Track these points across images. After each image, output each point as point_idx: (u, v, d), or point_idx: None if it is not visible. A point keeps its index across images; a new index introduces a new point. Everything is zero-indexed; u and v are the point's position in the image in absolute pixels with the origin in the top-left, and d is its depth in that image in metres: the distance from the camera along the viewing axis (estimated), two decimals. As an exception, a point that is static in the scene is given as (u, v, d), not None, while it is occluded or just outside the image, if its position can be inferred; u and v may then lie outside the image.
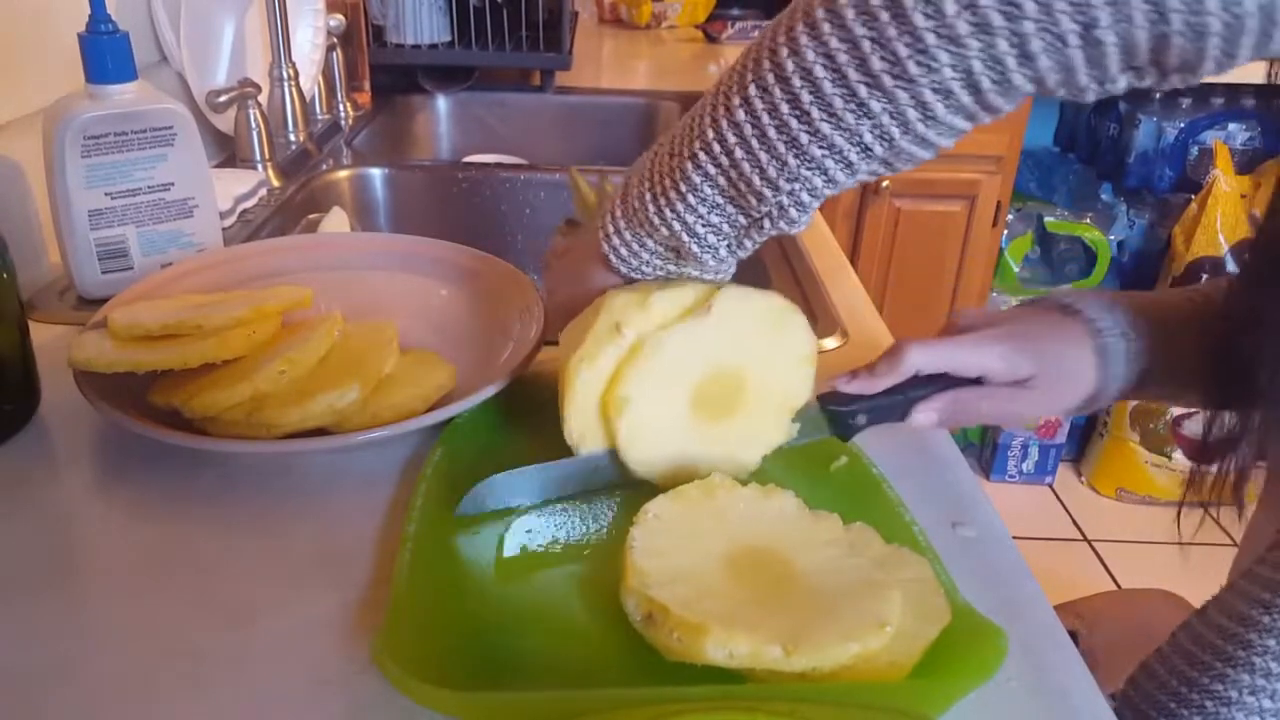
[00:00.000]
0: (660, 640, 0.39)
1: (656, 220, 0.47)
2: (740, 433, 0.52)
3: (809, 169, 0.42)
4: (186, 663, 0.41)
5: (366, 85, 1.31)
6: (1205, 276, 1.89)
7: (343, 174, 1.09)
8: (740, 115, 0.43)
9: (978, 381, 0.53)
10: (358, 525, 0.49)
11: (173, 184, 0.71)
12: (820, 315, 0.75)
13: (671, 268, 0.50)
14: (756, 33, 2.12)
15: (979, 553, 0.50)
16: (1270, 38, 0.34)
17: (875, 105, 0.40)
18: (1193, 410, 1.97)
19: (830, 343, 0.71)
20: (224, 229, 0.80)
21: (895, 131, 0.40)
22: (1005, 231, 2.00)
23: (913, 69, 0.38)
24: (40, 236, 0.75)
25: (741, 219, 0.46)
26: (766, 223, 0.45)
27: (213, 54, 1.02)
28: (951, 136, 0.42)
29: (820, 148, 0.41)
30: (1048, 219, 2.05)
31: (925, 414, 0.53)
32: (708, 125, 0.44)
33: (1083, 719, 0.41)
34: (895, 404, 0.53)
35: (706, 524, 0.45)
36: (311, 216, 0.92)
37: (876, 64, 0.38)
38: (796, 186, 0.43)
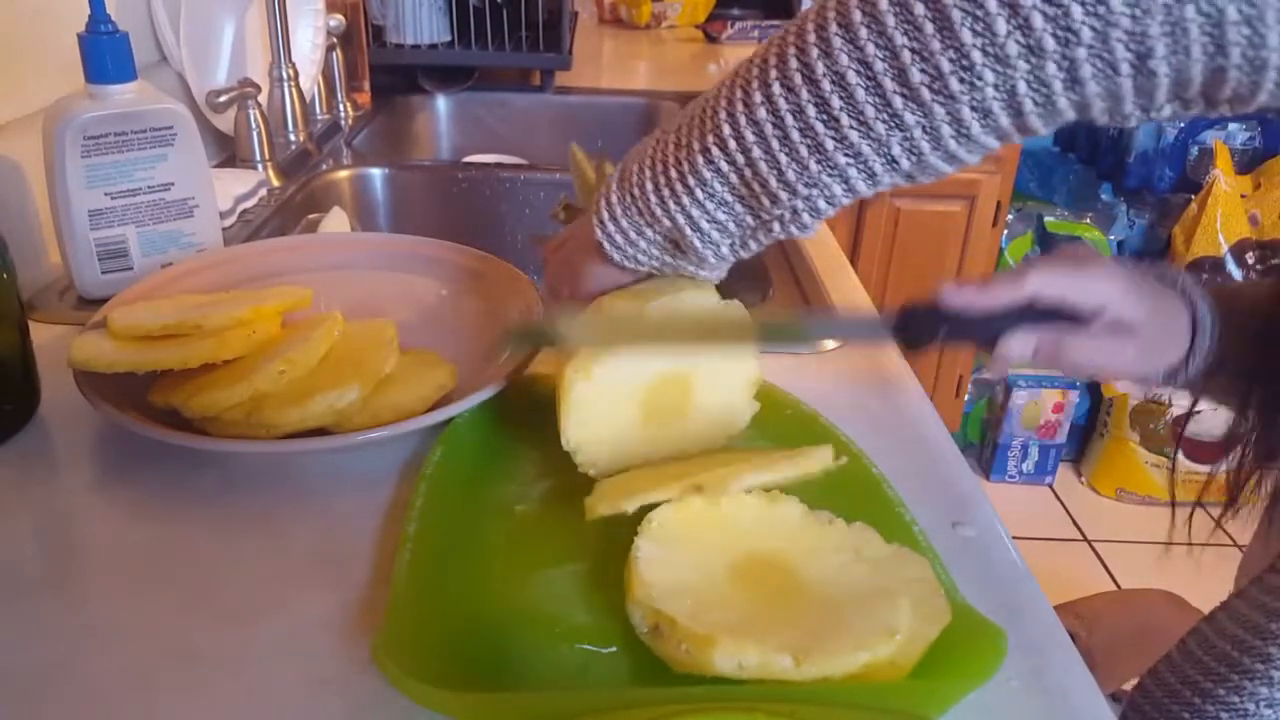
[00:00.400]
0: (668, 652, 0.39)
1: (659, 211, 0.46)
2: (696, 422, 0.52)
3: (830, 175, 0.41)
4: (186, 663, 0.41)
5: (366, 85, 1.31)
6: (1205, 276, 1.89)
7: (343, 174, 1.09)
8: (762, 114, 0.41)
9: (1077, 322, 0.50)
10: (358, 525, 0.49)
11: (173, 184, 0.71)
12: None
13: (668, 259, 0.49)
14: (756, 33, 2.13)
15: (979, 553, 0.50)
16: None
17: (909, 118, 0.38)
18: (1194, 410, 1.97)
19: (830, 343, 0.71)
20: (224, 229, 0.80)
21: (926, 146, 0.39)
22: (1005, 231, 2.00)
23: (954, 85, 0.36)
24: (40, 236, 0.75)
25: (750, 220, 0.45)
26: (776, 226, 0.44)
27: (213, 54, 1.02)
28: (980, 154, 0.40)
29: (846, 155, 0.40)
30: (1048, 219, 2.05)
31: (1021, 344, 0.49)
32: (724, 120, 0.42)
33: (1083, 719, 0.41)
34: (982, 328, 0.49)
35: (711, 533, 0.45)
36: (311, 216, 0.92)
37: (916, 76, 0.37)
38: (815, 193, 0.41)
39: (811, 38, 0.39)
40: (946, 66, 0.36)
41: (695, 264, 0.49)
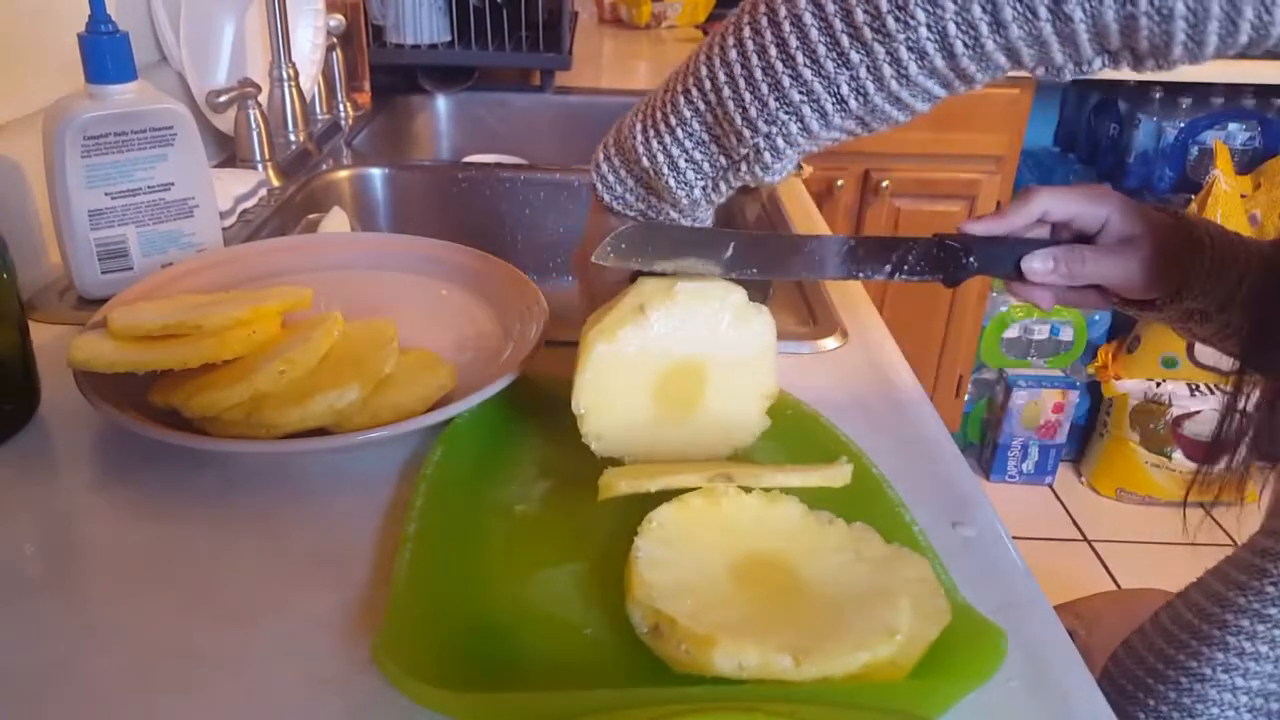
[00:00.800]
0: (668, 652, 0.39)
1: (642, 149, 0.49)
2: (705, 425, 0.52)
3: (787, 113, 0.44)
4: (186, 663, 0.41)
5: (366, 85, 1.31)
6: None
7: (343, 174, 1.09)
8: (732, 55, 0.44)
9: (1088, 241, 0.56)
10: (358, 525, 0.49)
11: (173, 184, 0.71)
12: (820, 315, 0.75)
13: (642, 207, 0.52)
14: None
15: (979, 553, 0.50)
16: (1237, 27, 0.35)
17: (854, 56, 0.41)
18: (1193, 410, 1.97)
19: (830, 343, 0.71)
20: (224, 229, 0.80)
21: (870, 86, 0.42)
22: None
23: (891, 24, 0.39)
24: (40, 236, 0.75)
25: (722, 159, 0.47)
26: (744, 165, 0.47)
27: (213, 54, 1.02)
28: (926, 100, 0.43)
29: (799, 92, 0.43)
30: (1048, 219, 2.05)
31: (1042, 260, 0.55)
32: (702, 62, 0.46)
33: (1082, 719, 0.41)
34: (1007, 254, 0.54)
35: (711, 533, 0.45)
36: (311, 216, 0.92)
37: (859, 16, 0.40)
38: (773, 130, 0.44)
39: None
40: (884, 5, 0.39)
41: (670, 205, 0.51)
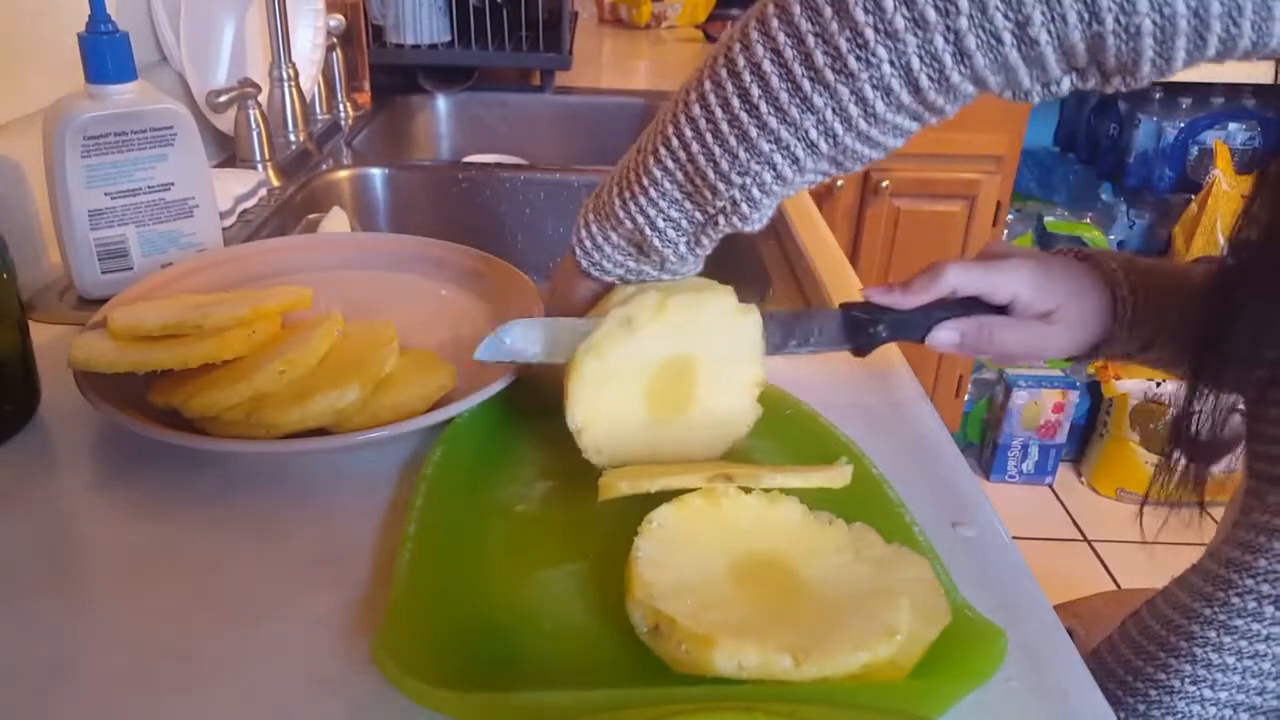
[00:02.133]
0: (668, 652, 0.39)
1: (621, 214, 0.49)
2: (700, 422, 0.52)
3: (758, 163, 0.43)
4: (186, 662, 0.41)
5: (366, 85, 1.31)
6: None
7: (343, 174, 1.09)
8: (696, 110, 0.44)
9: (1002, 311, 0.55)
10: (358, 525, 0.49)
11: (173, 184, 0.71)
12: (820, 315, 0.75)
13: (631, 264, 0.51)
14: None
15: (979, 553, 0.50)
16: (1205, 41, 0.34)
17: (818, 100, 0.40)
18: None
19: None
20: (224, 229, 0.80)
21: (839, 128, 0.41)
22: (1005, 231, 2.00)
23: (853, 64, 0.39)
24: (40, 236, 0.75)
25: (699, 214, 0.47)
26: (721, 219, 0.46)
27: (213, 54, 1.02)
28: (898, 136, 0.42)
29: (768, 142, 0.42)
30: (1048, 219, 2.05)
31: (947, 333, 0.55)
32: (669, 122, 0.46)
33: (1082, 719, 0.41)
34: (917, 322, 0.54)
35: (711, 533, 0.45)
36: (311, 216, 0.92)
37: (819, 59, 0.39)
38: (747, 181, 0.44)
39: (735, 37, 0.43)
40: (844, 46, 0.39)
41: (658, 265, 0.51)
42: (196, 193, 0.72)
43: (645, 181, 0.47)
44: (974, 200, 1.84)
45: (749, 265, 0.85)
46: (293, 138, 1.08)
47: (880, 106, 0.40)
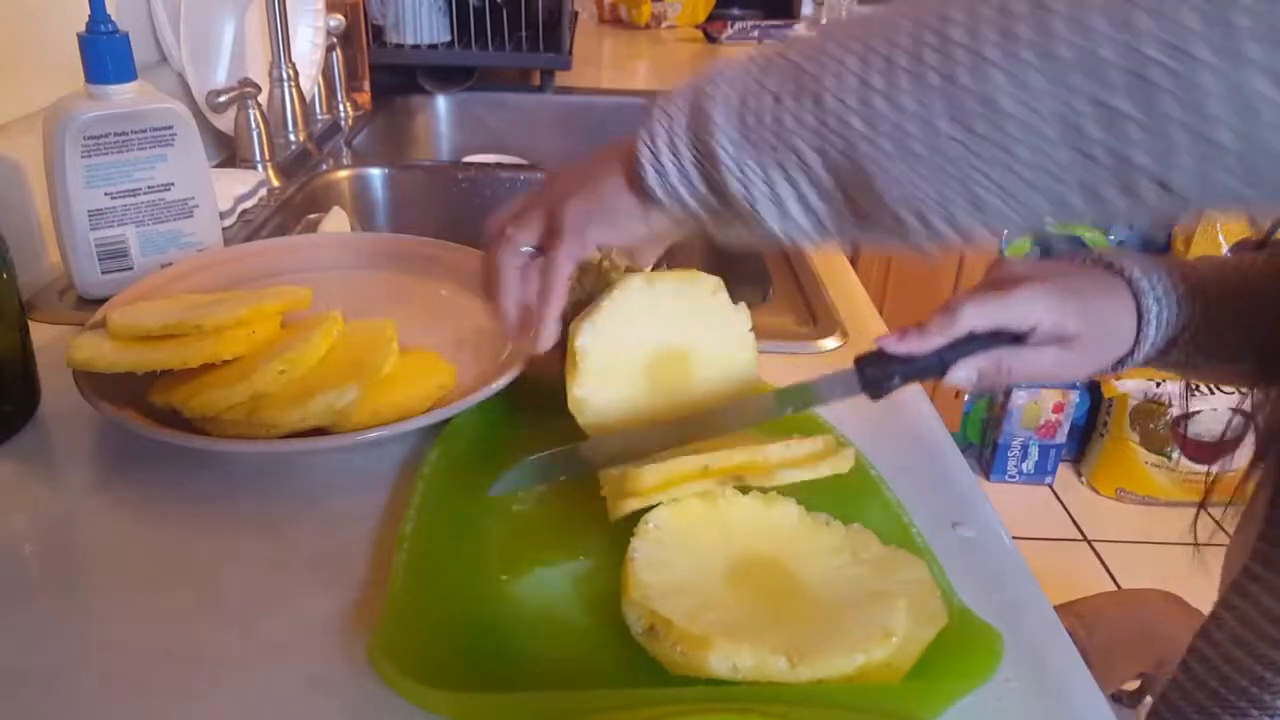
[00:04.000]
0: (663, 653, 0.39)
1: (734, 171, 0.41)
2: (698, 387, 0.53)
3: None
4: (186, 663, 0.41)
5: (366, 85, 1.31)
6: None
7: (343, 174, 1.09)
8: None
9: (1018, 339, 0.52)
10: (357, 525, 0.49)
11: (173, 184, 0.71)
12: (820, 315, 0.75)
13: (704, 215, 0.45)
14: (756, 33, 2.13)
15: (979, 553, 0.50)
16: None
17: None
18: (1194, 410, 1.97)
19: (830, 343, 0.71)
20: (224, 229, 0.80)
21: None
22: (1005, 231, 2.00)
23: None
24: (40, 236, 0.75)
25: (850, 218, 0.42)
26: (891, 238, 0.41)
27: (213, 54, 1.02)
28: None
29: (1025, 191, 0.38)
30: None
31: (965, 371, 0.52)
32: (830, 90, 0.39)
33: (1082, 719, 0.41)
34: (932, 364, 0.52)
35: (707, 534, 0.45)
36: (311, 216, 0.92)
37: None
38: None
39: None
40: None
41: (735, 225, 0.44)
42: (196, 193, 0.72)
43: (792, 161, 0.40)
44: (974, 200, 1.84)
45: (749, 265, 0.85)
46: (293, 138, 1.08)
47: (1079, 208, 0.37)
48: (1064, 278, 0.53)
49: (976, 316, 0.51)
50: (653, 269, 0.56)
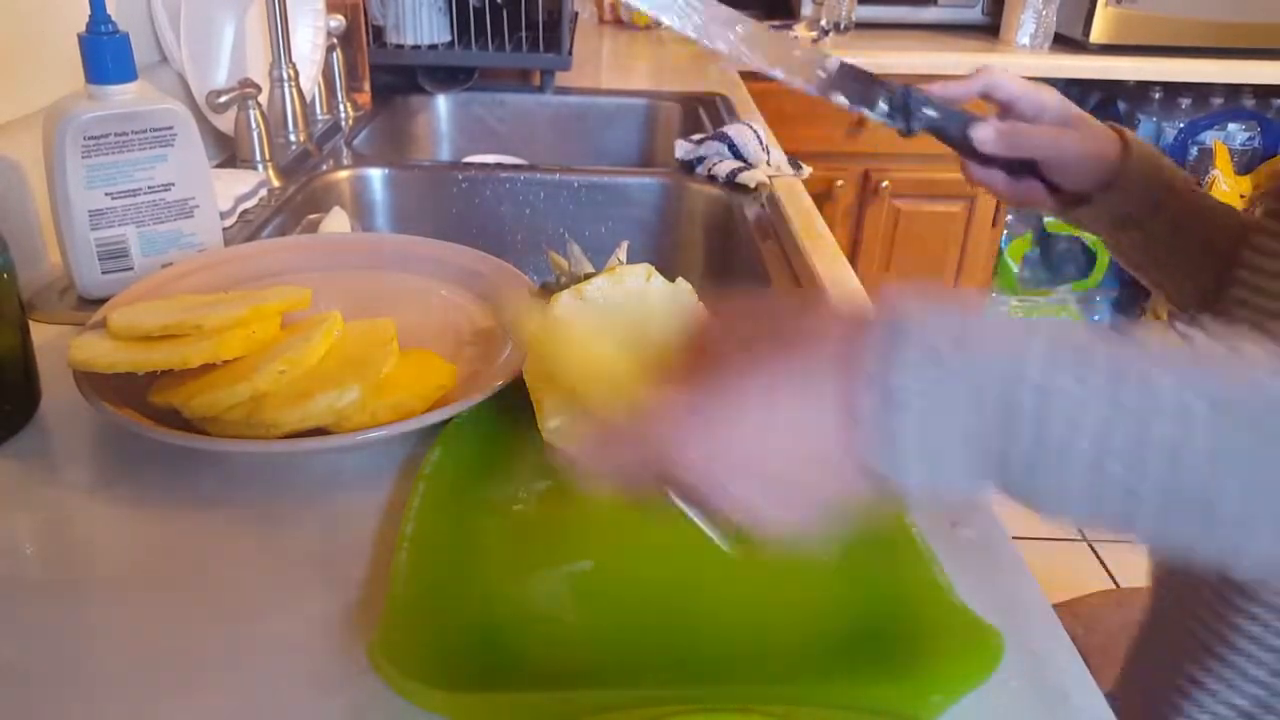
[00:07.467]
0: None
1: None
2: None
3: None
4: (186, 663, 0.41)
5: (366, 86, 1.31)
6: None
7: (343, 174, 1.09)
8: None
9: (1038, 176, 0.64)
10: (357, 525, 0.49)
11: (173, 184, 0.71)
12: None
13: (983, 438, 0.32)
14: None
15: (979, 553, 0.50)
16: None
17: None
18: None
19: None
20: (224, 229, 0.80)
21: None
22: (1005, 232, 2.00)
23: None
24: (40, 236, 0.75)
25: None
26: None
27: (213, 54, 1.02)
28: None
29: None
30: (1047, 219, 2.05)
31: (986, 129, 0.62)
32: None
33: (1083, 719, 0.41)
34: (957, 117, 0.63)
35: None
36: (311, 216, 0.92)
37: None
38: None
39: None
40: None
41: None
42: (196, 193, 0.72)
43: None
44: (974, 200, 1.84)
45: (749, 265, 0.85)
46: (293, 138, 1.08)
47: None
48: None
49: (994, 83, 0.63)
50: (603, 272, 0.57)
